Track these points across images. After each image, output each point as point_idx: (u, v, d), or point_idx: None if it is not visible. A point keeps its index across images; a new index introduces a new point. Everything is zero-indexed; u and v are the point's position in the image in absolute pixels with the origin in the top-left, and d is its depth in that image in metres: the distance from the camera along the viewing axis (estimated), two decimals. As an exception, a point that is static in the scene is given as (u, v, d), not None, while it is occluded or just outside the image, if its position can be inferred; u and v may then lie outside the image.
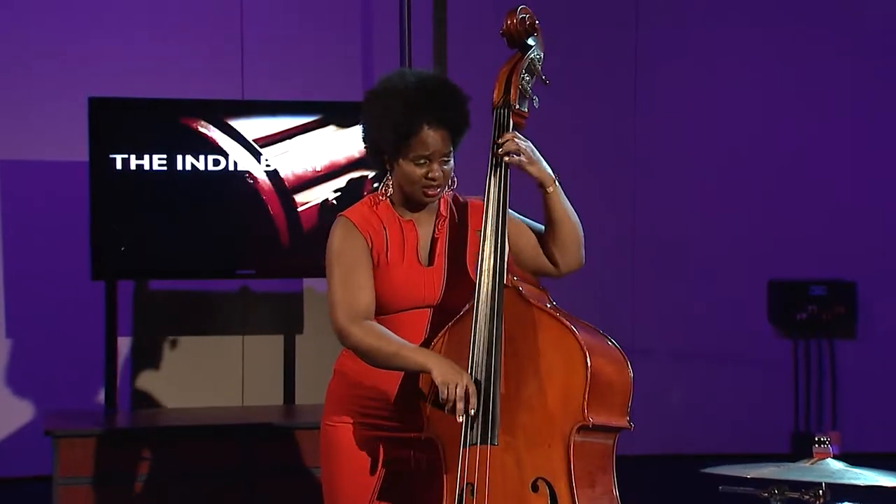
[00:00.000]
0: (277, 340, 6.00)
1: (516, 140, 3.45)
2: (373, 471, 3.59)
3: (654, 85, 6.52)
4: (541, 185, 3.49)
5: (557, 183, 3.51)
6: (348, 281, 3.47)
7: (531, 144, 3.49)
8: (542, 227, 3.57)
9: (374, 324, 3.46)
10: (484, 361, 3.37)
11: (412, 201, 3.55)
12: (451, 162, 3.50)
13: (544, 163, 3.50)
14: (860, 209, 6.65)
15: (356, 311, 3.45)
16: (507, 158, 3.44)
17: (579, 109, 6.43)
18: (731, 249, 6.57)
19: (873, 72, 6.65)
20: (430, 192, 3.49)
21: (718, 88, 6.58)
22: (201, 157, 5.58)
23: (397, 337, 3.43)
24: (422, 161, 3.47)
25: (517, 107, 3.50)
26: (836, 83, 6.64)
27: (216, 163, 5.60)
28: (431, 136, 3.45)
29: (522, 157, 3.45)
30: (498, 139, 3.46)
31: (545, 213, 3.53)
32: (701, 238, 6.56)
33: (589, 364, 3.29)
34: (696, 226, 6.56)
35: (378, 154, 3.53)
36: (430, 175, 3.47)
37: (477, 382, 3.37)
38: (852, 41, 6.63)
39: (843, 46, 6.62)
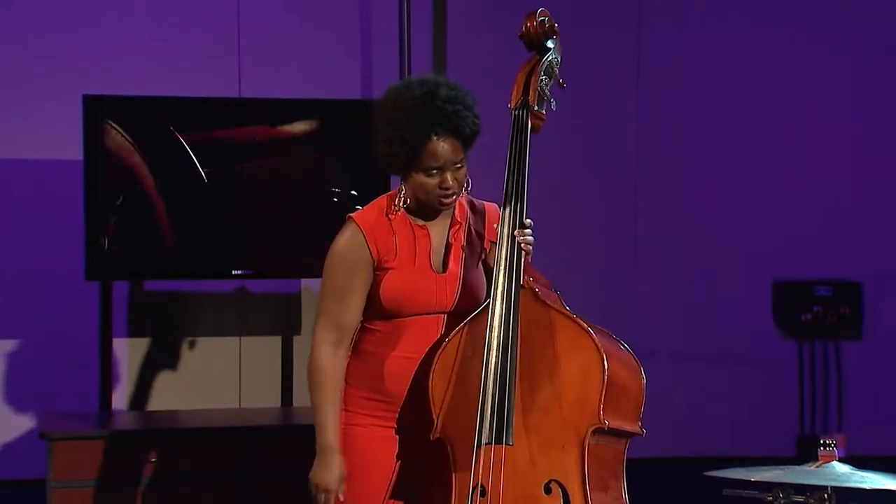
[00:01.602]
0: (275, 342, 6.00)
1: (531, 241, 3.49)
2: (378, 473, 3.60)
3: (657, 85, 6.52)
4: None
5: None
6: (340, 298, 3.52)
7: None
8: None
9: (332, 366, 3.54)
10: (500, 361, 3.39)
11: (427, 208, 3.55)
12: (464, 168, 3.51)
13: None
14: (865, 209, 6.65)
15: (334, 333, 3.53)
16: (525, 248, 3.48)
17: (581, 109, 6.42)
18: (734, 250, 6.57)
19: (878, 71, 6.65)
20: (445, 201, 3.52)
21: (722, 88, 6.58)
22: (198, 156, 5.56)
23: (332, 395, 3.53)
24: (434, 172, 3.48)
25: (536, 108, 3.52)
26: (841, 82, 6.64)
27: (213, 161, 5.58)
28: (441, 147, 3.47)
29: (529, 250, 3.49)
30: (513, 231, 3.46)
31: None
32: (704, 238, 6.56)
33: (606, 367, 3.31)
34: (699, 226, 6.56)
35: (389, 168, 3.53)
36: (443, 185, 3.49)
37: (492, 383, 3.38)
38: (854, 40, 6.63)
39: (846, 45, 6.62)
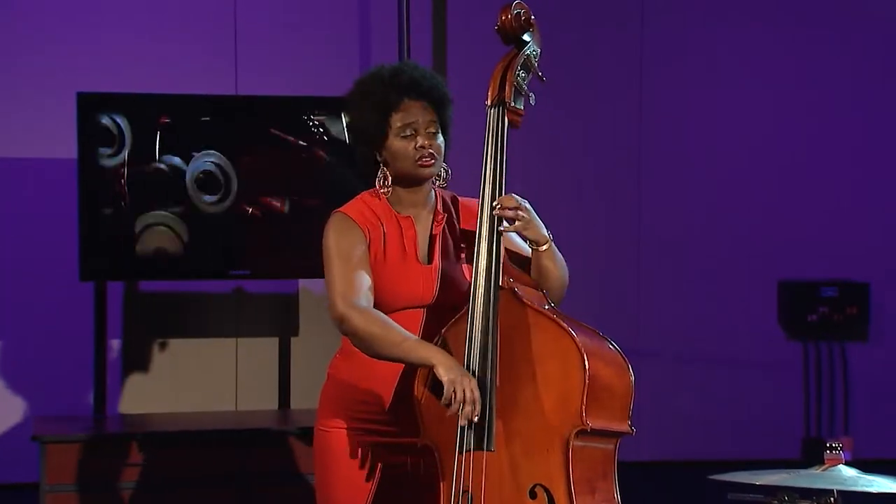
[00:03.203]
0: (272, 343, 5.98)
1: (514, 205, 3.42)
2: (368, 477, 3.59)
3: (659, 84, 6.51)
4: (534, 244, 3.49)
5: (551, 240, 3.51)
6: (347, 269, 3.49)
7: (528, 204, 3.47)
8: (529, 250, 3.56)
9: (376, 311, 3.46)
10: (479, 365, 3.36)
11: (410, 192, 3.57)
12: (441, 137, 3.53)
13: (539, 222, 3.49)
14: (872, 208, 6.64)
15: (356, 297, 3.45)
16: (502, 227, 3.42)
17: (584, 109, 6.43)
18: (739, 250, 6.55)
19: (884, 70, 6.64)
20: (425, 163, 3.52)
21: (725, 88, 6.58)
22: (193, 154, 5.54)
23: (400, 327, 3.43)
24: (408, 132, 3.51)
25: (512, 104, 3.49)
26: (850, 81, 6.64)
27: (209, 159, 5.55)
28: (413, 106, 3.52)
29: (518, 224, 3.44)
30: (493, 204, 3.43)
31: (534, 265, 3.53)
32: (708, 238, 6.54)
33: (587, 367, 3.27)
34: (703, 226, 6.55)
35: (367, 144, 3.55)
36: (418, 145, 3.50)
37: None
38: (854, 39, 6.63)
39: (846, 45, 6.63)
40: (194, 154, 5.55)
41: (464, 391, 3.29)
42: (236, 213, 5.58)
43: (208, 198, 5.56)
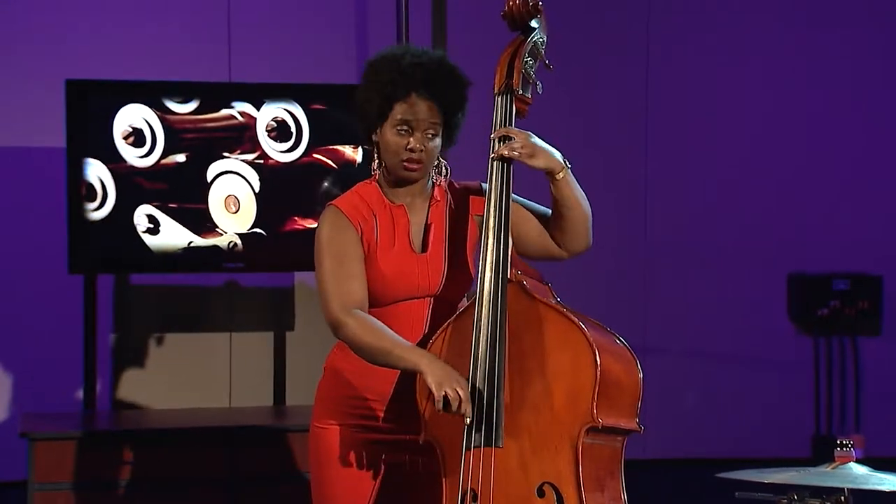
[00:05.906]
0: (267, 338, 6.00)
1: (513, 142, 3.40)
2: (367, 476, 3.57)
3: (668, 77, 6.52)
4: (549, 173, 3.44)
5: (568, 167, 3.46)
6: (340, 271, 3.47)
7: (530, 133, 3.44)
8: (547, 210, 3.54)
9: (369, 317, 3.46)
10: (487, 360, 3.36)
11: (402, 183, 3.53)
12: (438, 140, 3.49)
13: (550, 149, 3.45)
14: (885, 200, 6.64)
15: (350, 302, 3.45)
16: (508, 154, 3.41)
17: (590, 103, 6.44)
18: (747, 243, 6.57)
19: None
20: (409, 166, 3.48)
21: (733, 82, 6.59)
22: (185, 143, 5.54)
23: (392, 332, 3.43)
24: (404, 129, 3.46)
25: (520, 92, 3.49)
26: (860, 77, 6.64)
27: (201, 148, 5.56)
28: (418, 104, 3.45)
29: (522, 152, 3.41)
30: (494, 137, 3.42)
31: (553, 199, 3.50)
32: (716, 231, 6.56)
33: (598, 362, 3.27)
34: (712, 219, 6.56)
35: (364, 121, 3.51)
36: (409, 146, 3.46)
37: (480, 382, 3.34)
38: (873, 38, 6.63)
39: (859, 42, 6.62)
40: (186, 141, 5.54)
41: (454, 391, 3.29)
42: (230, 203, 5.58)
43: (200, 187, 5.56)
